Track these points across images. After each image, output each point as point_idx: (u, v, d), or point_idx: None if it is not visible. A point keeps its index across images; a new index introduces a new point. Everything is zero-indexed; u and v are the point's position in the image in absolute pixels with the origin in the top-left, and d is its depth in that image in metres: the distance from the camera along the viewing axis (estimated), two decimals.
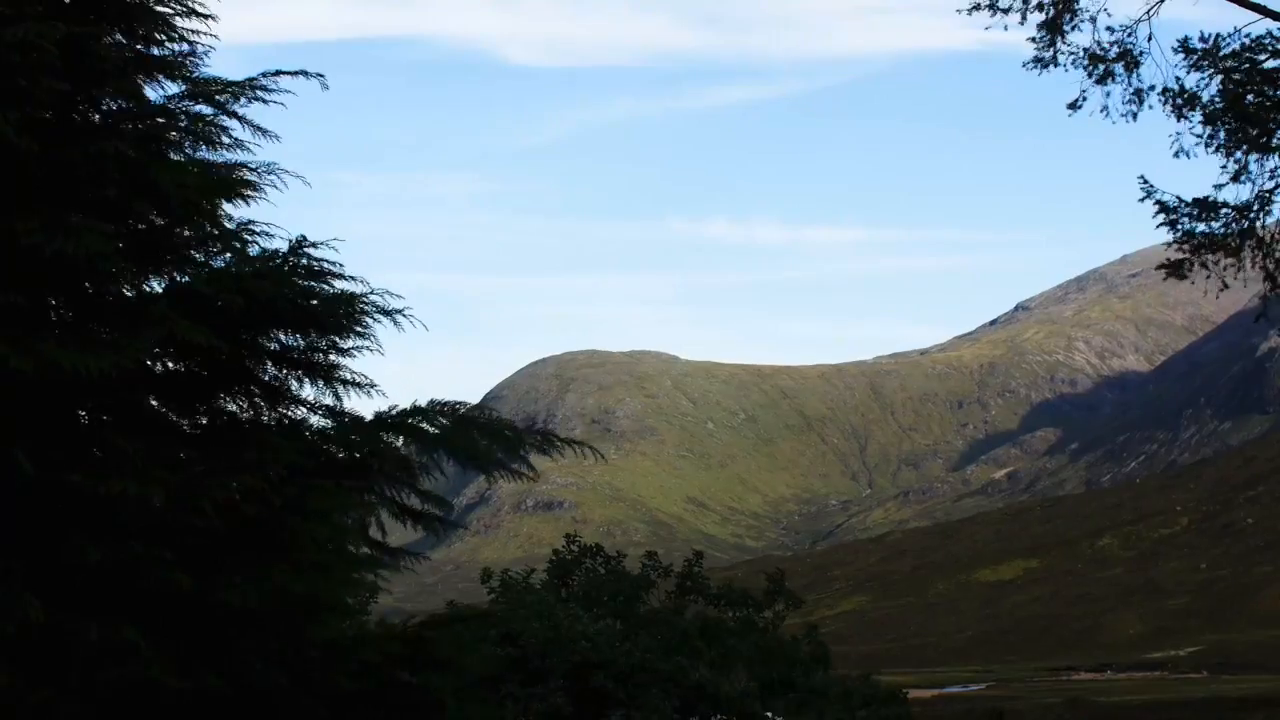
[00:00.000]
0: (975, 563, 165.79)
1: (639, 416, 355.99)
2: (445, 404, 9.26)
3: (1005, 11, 15.87)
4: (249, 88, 8.89)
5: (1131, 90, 15.83)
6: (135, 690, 7.50)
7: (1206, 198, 14.97)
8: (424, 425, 9.13)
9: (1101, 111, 16.02)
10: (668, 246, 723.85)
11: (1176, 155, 15.27)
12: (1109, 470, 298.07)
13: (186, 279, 8.64)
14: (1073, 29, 15.90)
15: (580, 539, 32.17)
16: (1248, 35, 14.67)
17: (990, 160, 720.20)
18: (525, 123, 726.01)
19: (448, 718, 9.74)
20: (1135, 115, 15.90)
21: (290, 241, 8.90)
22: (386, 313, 9.10)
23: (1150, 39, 15.69)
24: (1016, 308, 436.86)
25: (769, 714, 27.77)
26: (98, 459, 7.78)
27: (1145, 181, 15.19)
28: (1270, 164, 14.72)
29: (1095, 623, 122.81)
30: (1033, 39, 15.95)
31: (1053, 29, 15.82)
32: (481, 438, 9.27)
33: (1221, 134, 14.82)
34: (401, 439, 9.17)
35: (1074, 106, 16.21)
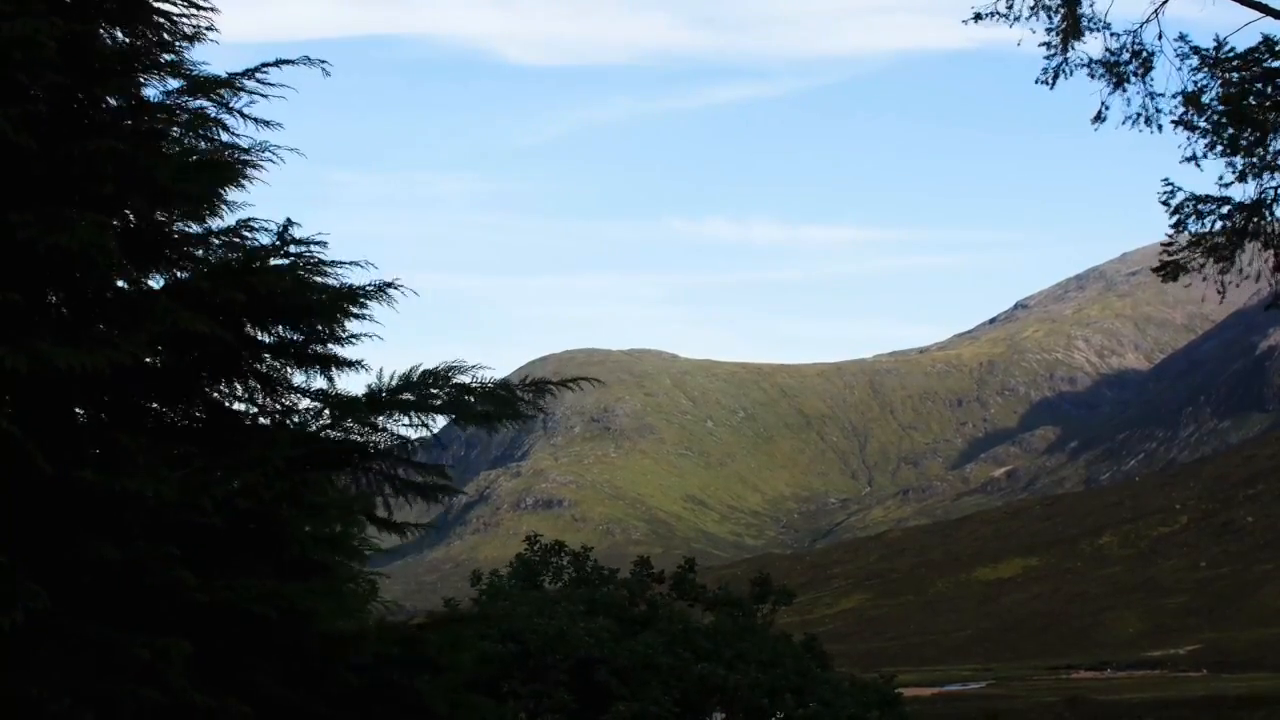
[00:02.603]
0: (975, 561, 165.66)
1: (638, 415, 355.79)
2: (434, 371, 9.22)
3: (1006, 17, 15.56)
4: (249, 78, 8.87)
5: (1147, 95, 15.61)
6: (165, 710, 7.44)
7: (1217, 196, 14.90)
8: (418, 396, 9.09)
9: (1125, 122, 15.75)
10: (666, 246, 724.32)
11: (1190, 160, 15.09)
12: (1108, 468, 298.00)
13: (186, 275, 8.63)
14: (1084, 40, 15.68)
15: (542, 539, 31.90)
16: (1258, 34, 14.60)
17: (990, 159, 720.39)
18: (523, 122, 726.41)
19: (444, 718, 9.72)
20: (1159, 126, 15.54)
21: (277, 229, 8.88)
22: (380, 287, 9.07)
23: (1160, 37, 15.52)
24: (1016, 306, 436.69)
25: (777, 714, 27.72)
26: (101, 456, 7.76)
27: (1168, 183, 15.04)
28: (1274, 163, 14.65)
29: (1094, 621, 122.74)
30: (1045, 44, 15.67)
31: (1064, 35, 15.61)
32: (476, 400, 9.25)
33: (1226, 134, 14.73)
34: (397, 414, 9.14)
35: (1097, 119, 15.94)
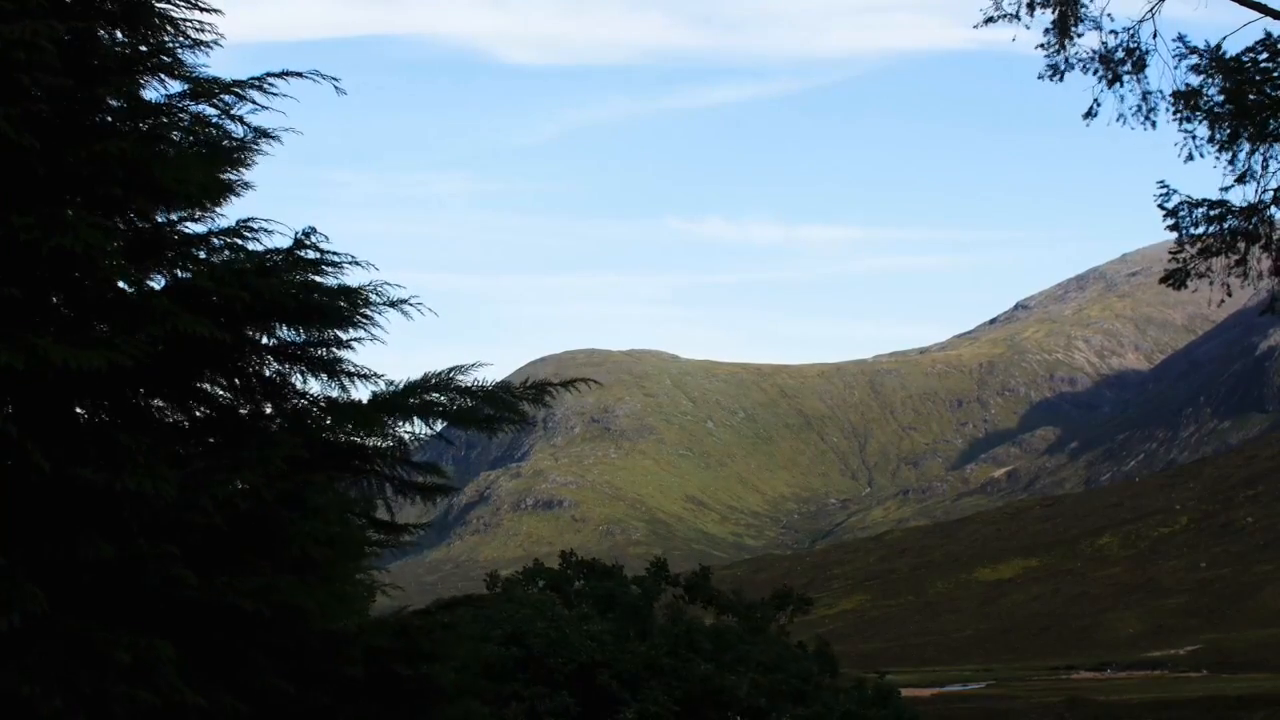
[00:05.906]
0: (975, 561, 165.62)
1: (638, 415, 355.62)
2: (437, 375, 9.21)
3: (1015, 17, 15.65)
4: (253, 87, 8.85)
5: (1141, 93, 15.65)
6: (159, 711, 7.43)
7: (1215, 199, 14.89)
8: (421, 399, 9.09)
9: (1118, 120, 15.80)
10: (664, 246, 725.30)
11: (1189, 159, 15.10)
12: (1108, 469, 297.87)
13: (188, 275, 8.63)
14: (1080, 33, 15.74)
15: (575, 555, 32.80)
16: (1254, 35, 14.60)
17: (989, 159, 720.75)
18: (521, 122, 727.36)
19: (446, 708, 9.74)
20: (1153, 123, 15.61)
21: (296, 235, 8.90)
22: (393, 303, 9.07)
23: (1155, 36, 15.57)
24: (1016, 306, 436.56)
25: (774, 717, 27.70)
26: (101, 455, 7.75)
27: (1164, 185, 15.05)
28: (1273, 164, 14.64)
29: (1094, 621, 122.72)
30: (1043, 45, 15.74)
31: (1061, 32, 15.67)
32: (477, 404, 9.25)
33: (1225, 134, 14.73)
34: (400, 418, 9.14)
35: (1089, 115, 15.97)
